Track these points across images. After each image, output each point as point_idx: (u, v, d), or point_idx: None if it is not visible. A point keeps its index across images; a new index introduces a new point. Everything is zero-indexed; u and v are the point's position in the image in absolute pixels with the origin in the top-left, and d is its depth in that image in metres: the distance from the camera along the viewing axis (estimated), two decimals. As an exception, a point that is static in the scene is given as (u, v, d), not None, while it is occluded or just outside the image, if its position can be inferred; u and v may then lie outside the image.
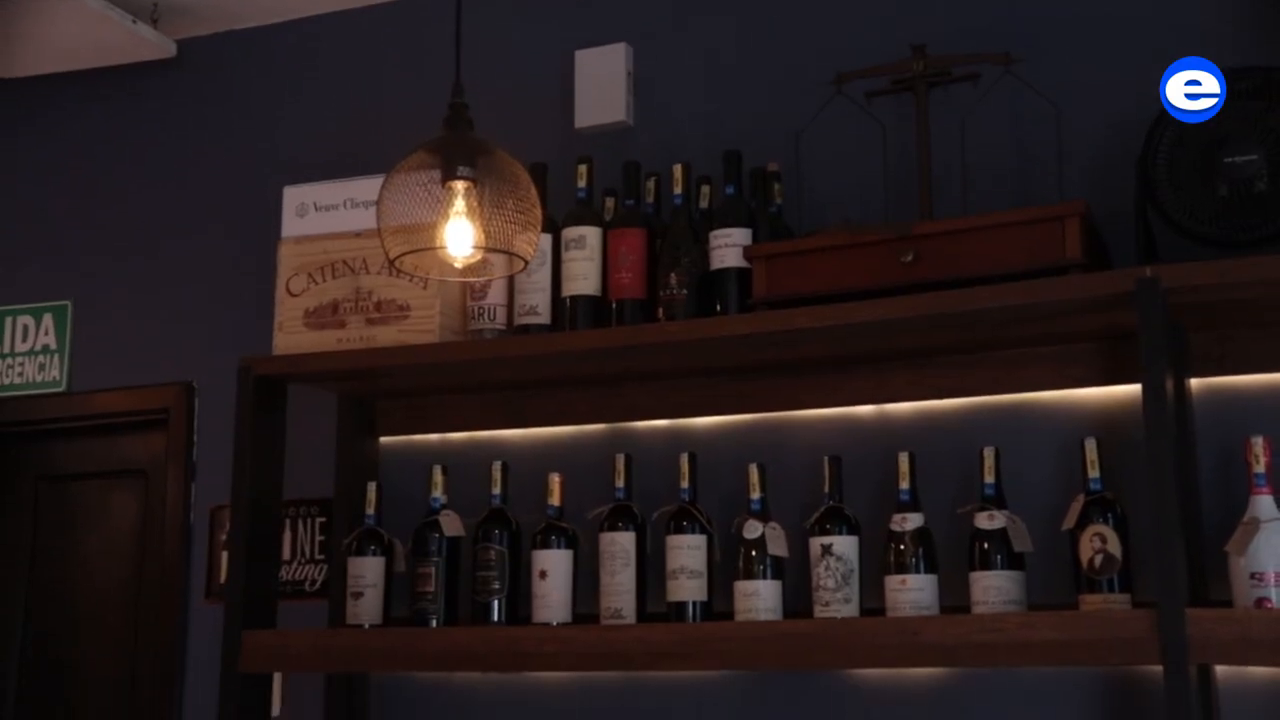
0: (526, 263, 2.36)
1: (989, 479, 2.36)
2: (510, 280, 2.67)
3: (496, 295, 2.70)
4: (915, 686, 2.48)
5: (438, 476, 2.75)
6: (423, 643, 2.60)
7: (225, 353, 2.94)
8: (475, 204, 2.25)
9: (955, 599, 2.35)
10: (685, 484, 2.54)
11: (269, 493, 2.76)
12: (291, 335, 2.77)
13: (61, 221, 3.51)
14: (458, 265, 2.32)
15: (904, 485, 2.39)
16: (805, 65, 2.71)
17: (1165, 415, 2.09)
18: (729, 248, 2.52)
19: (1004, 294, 2.22)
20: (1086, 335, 2.39)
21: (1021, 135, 2.56)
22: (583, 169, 2.72)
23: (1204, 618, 2.03)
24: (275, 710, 2.82)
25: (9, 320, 3.48)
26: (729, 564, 2.49)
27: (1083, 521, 2.27)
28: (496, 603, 2.62)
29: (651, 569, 2.56)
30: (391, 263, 2.33)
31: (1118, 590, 2.23)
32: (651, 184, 2.70)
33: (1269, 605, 2.06)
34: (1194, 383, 2.34)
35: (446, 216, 2.25)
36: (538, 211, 2.31)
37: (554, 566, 2.57)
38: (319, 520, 3.04)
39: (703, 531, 2.51)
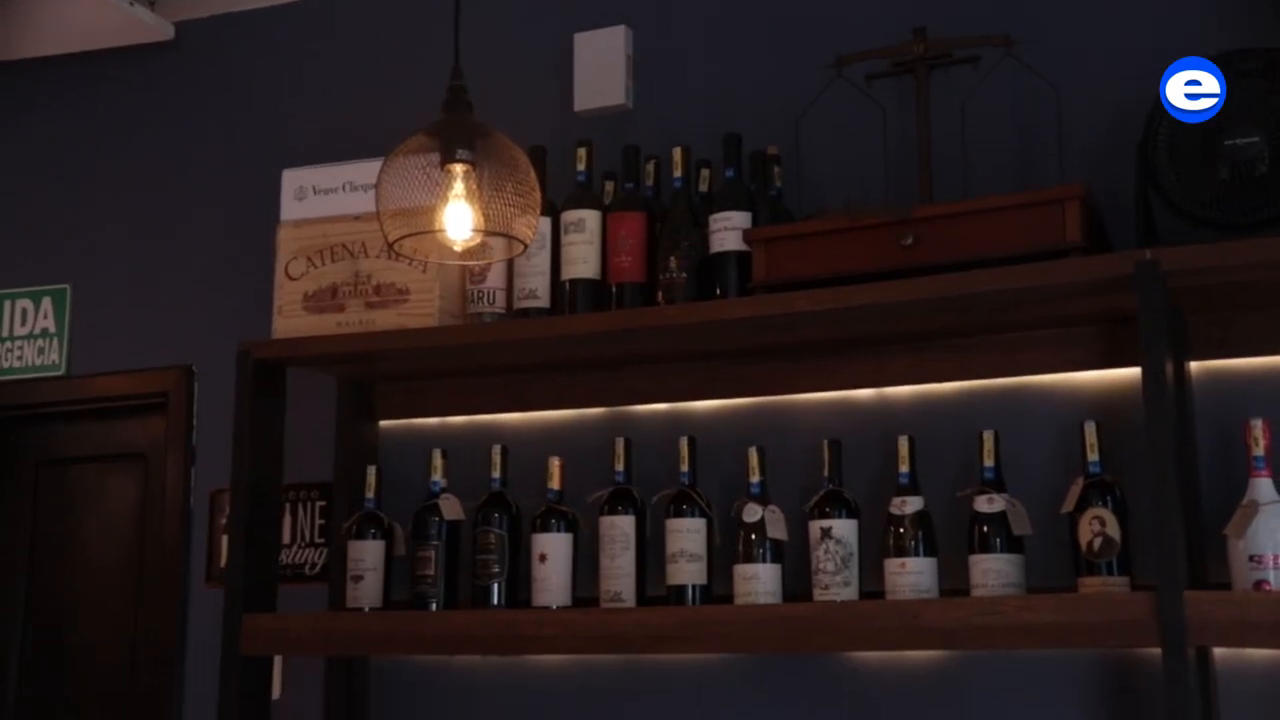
0: (526, 246, 2.36)
1: (988, 462, 2.36)
2: (509, 264, 2.67)
3: (496, 279, 2.70)
4: (914, 669, 2.49)
5: (437, 460, 2.75)
6: (423, 626, 2.60)
7: (224, 336, 2.94)
8: (474, 187, 2.25)
9: (954, 582, 2.35)
10: (685, 467, 2.54)
11: (269, 477, 2.76)
12: (290, 319, 2.76)
13: (60, 205, 3.50)
14: (457, 248, 2.32)
15: (903, 468, 2.40)
16: (805, 48, 2.71)
17: (1165, 398, 2.09)
18: (728, 231, 2.52)
19: (1004, 277, 2.21)
20: (1086, 318, 2.39)
21: (1022, 118, 2.55)
22: (582, 152, 2.71)
23: (1203, 600, 2.04)
24: (276, 693, 2.83)
25: (8, 304, 3.48)
26: (728, 547, 2.49)
27: (1082, 504, 2.27)
28: (496, 586, 2.63)
29: (651, 552, 2.57)
30: (390, 246, 2.33)
31: (1117, 573, 2.24)
32: (651, 167, 2.70)
33: (1268, 588, 2.06)
34: (1193, 365, 2.34)
35: (445, 200, 2.24)
36: (537, 195, 2.30)
37: (554, 550, 2.57)
38: (319, 504, 3.05)
39: (702, 515, 2.51)
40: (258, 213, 3.03)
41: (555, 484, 2.63)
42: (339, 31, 3.29)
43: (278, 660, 2.87)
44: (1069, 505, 2.29)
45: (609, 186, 2.72)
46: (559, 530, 2.59)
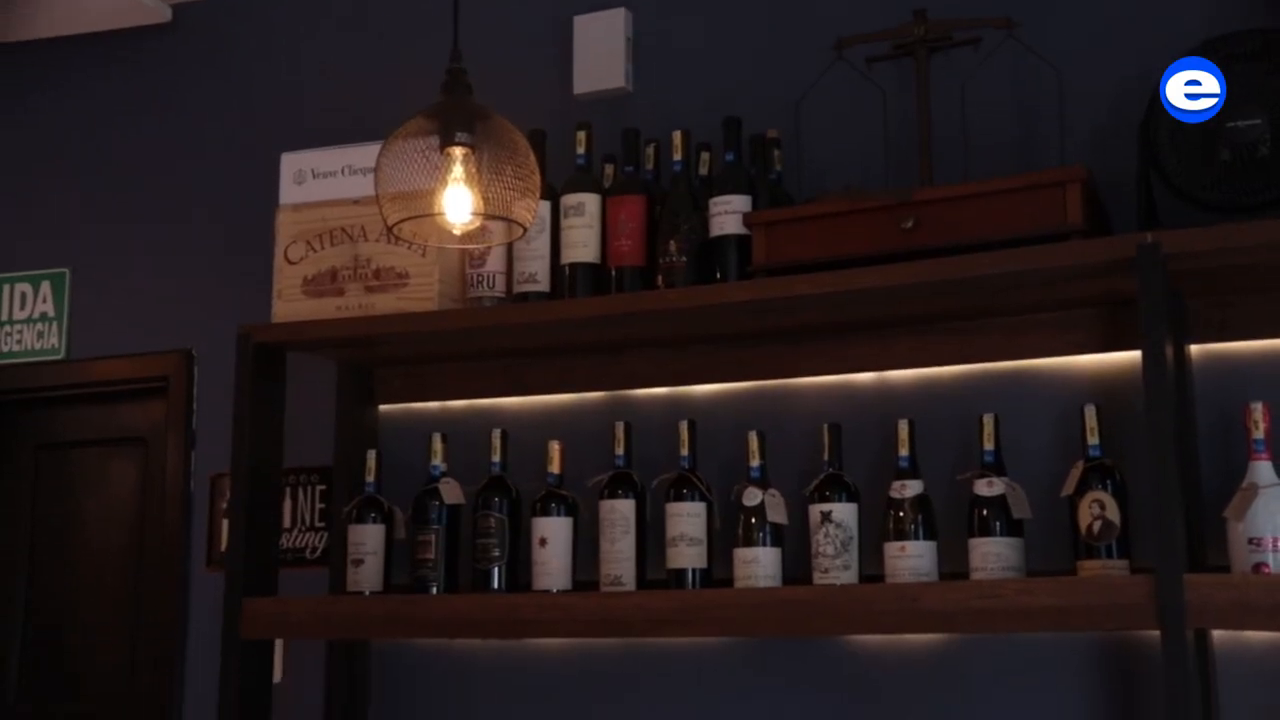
0: (525, 229, 2.35)
1: (988, 446, 2.36)
2: (509, 248, 2.67)
3: (495, 263, 2.69)
4: (914, 652, 2.49)
5: (437, 444, 2.75)
6: (423, 610, 2.61)
7: (224, 320, 2.93)
8: (474, 170, 2.24)
9: (954, 566, 2.36)
10: (685, 451, 2.54)
11: (269, 461, 2.76)
12: (290, 303, 2.76)
13: (59, 188, 3.49)
14: (456, 232, 2.31)
15: (903, 452, 2.40)
16: (805, 30, 2.70)
17: (1165, 382, 2.09)
18: (729, 215, 2.51)
19: (1004, 260, 2.21)
20: (1087, 301, 2.39)
21: (1023, 100, 2.54)
22: (582, 135, 2.70)
23: (1202, 583, 2.04)
24: (277, 677, 2.83)
25: (7, 288, 3.48)
26: (728, 531, 2.49)
27: (1082, 488, 2.27)
28: (496, 570, 2.63)
29: (651, 536, 2.57)
30: (390, 229, 2.32)
31: (1116, 556, 2.24)
32: (651, 151, 2.69)
33: (1266, 570, 2.06)
34: (1194, 349, 2.34)
35: (445, 183, 2.24)
36: (536, 178, 2.30)
37: (554, 534, 2.58)
38: (319, 488, 3.05)
39: (702, 499, 2.51)
40: (257, 196, 3.03)
41: (555, 468, 2.63)
42: (337, 13, 3.28)
43: (278, 644, 2.88)
44: (1069, 489, 2.29)
45: (609, 170, 2.71)
46: (559, 514, 2.59)
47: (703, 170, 2.62)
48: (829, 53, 2.53)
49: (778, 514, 2.44)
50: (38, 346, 3.43)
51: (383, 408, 2.98)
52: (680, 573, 2.49)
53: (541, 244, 2.65)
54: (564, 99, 2.93)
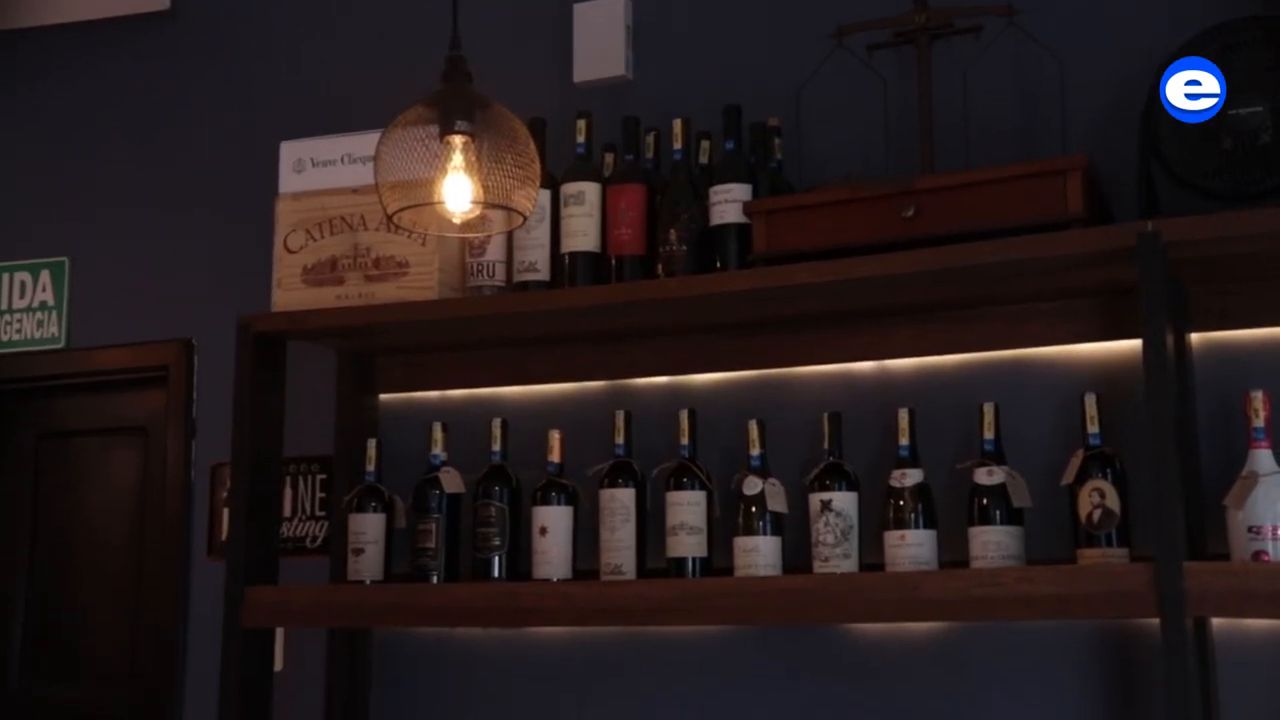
0: (525, 218, 2.35)
1: (988, 434, 2.36)
2: (509, 237, 2.66)
3: (495, 252, 2.69)
4: (914, 641, 2.50)
5: (438, 433, 2.75)
6: (424, 598, 2.61)
7: (224, 309, 2.93)
8: (474, 159, 2.24)
9: (954, 554, 2.36)
10: (685, 440, 2.54)
11: (269, 450, 2.76)
12: (290, 292, 2.76)
13: (58, 177, 3.49)
14: (456, 221, 2.31)
15: (904, 441, 2.40)
16: (806, 18, 2.69)
17: (1165, 370, 2.09)
18: (729, 203, 2.51)
19: (1005, 249, 2.21)
20: (1087, 290, 2.39)
21: (1024, 88, 2.54)
22: (581, 124, 2.70)
23: (1201, 571, 2.04)
24: (278, 666, 2.83)
25: (6, 276, 3.47)
26: (729, 520, 2.49)
27: (1082, 476, 2.27)
28: (497, 559, 2.63)
29: (651, 525, 2.57)
30: (389, 218, 2.32)
31: (1116, 544, 2.24)
32: (651, 139, 2.68)
33: (1266, 558, 2.07)
34: (1194, 337, 2.34)
35: (445, 171, 2.24)
36: (536, 166, 2.29)
37: (554, 523, 2.58)
38: (319, 477, 3.05)
39: (702, 488, 2.51)
40: (256, 185, 3.02)
41: (555, 457, 2.63)
42: (336, 1, 3.27)
43: (279, 632, 2.88)
44: (1069, 477, 2.29)
45: (609, 159, 2.71)
46: (559, 503, 2.59)
47: (703, 159, 2.62)
48: (830, 40, 2.52)
49: (778, 503, 2.44)
50: (37, 335, 3.43)
51: (383, 397, 2.98)
52: (680, 561, 2.49)
53: (541, 233, 2.64)
54: (564, 87, 2.92)
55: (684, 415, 2.56)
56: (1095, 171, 2.28)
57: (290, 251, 2.77)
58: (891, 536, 2.35)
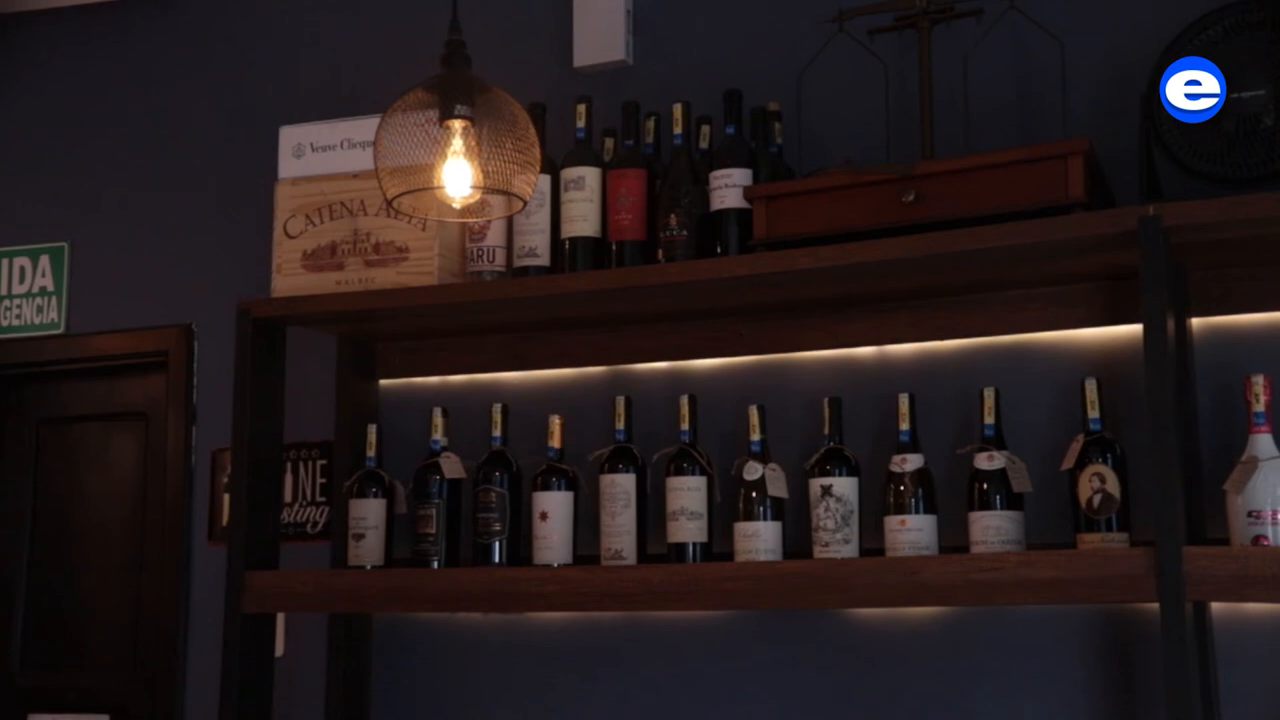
0: (525, 203, 2.35)
1: (989, 420, 2.36)
2: (509, 222, 2.66)
3: (495, 237, 2.69)
4: (915, 626, 2.50)
5: (438, 419, 2.75)
6: (424, 583, 2.61)
7: (224, 295, 2.93)
8: (473, 143, 2.23)
9: (954, 539, 2.36)
10: (685, 426, 2.54)
11: (269, 435, 2.76)
12: (290, 278, 2.76)
13: (58, 162, 3.48)
14: (456, 206, 2.31)
15: (904, 426, 2.40)
16: (806, 2, 2.68)
17: (1165, 355, 2.08)
18: (729, 188, 2.50)
19: (1006, 234, 2.20)
20: (1088, 275, 2.38)
21: (1025, 72, 2.53)
22: (581, 109, 2.69)
23: (1200, 555, 2.04)
24: (279, 651, 2.84)
25: (6, 262, 3.47)
26: (729, 505, 2.49)
27: (1082, 461, 2.27)
28: (497, 544, 2.64)
29: (652, 510, 2.57)
30: (389, 203, 2.32)
31: (1116, 529, 2.24)
32: (651, 124, 2.68)
33: (1266, 543, 2.07)
34: (1195, 322, 2.33)
35: (444, 156, 2.23)
36: (536, 151, 2.29)
37: (555, 508, 2.58)
38: (320, 463, 3.05)
39: (703, 473, 2.51)
40: (255, 170, 3.02)
41: (556, 442, 2.63)
42: (336, -14, 3.26)
43: (280, 618, 2.88)
44: (1069, 462, 2.29)
45: (609, 143, 2.70)
46: (560, 488, 2.59)
47: (703, 143, 2.61)
48: (831, 25, 2.51)
49: (778, 488, 2.44)
50: (37, 321, 3.43)
51: (383, 382, 2.98)
52: (680, 547, 2.49)
53: (541, 218, 2.64)
54: (564, 72, 2.92)
55: (684, 401, 2.56)
56: (1096, 155, 2.28)
57: (290, 237, 2.77)
58: (892, 521, 2.35)
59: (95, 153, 3.43)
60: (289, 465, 3.03)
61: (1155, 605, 2.05)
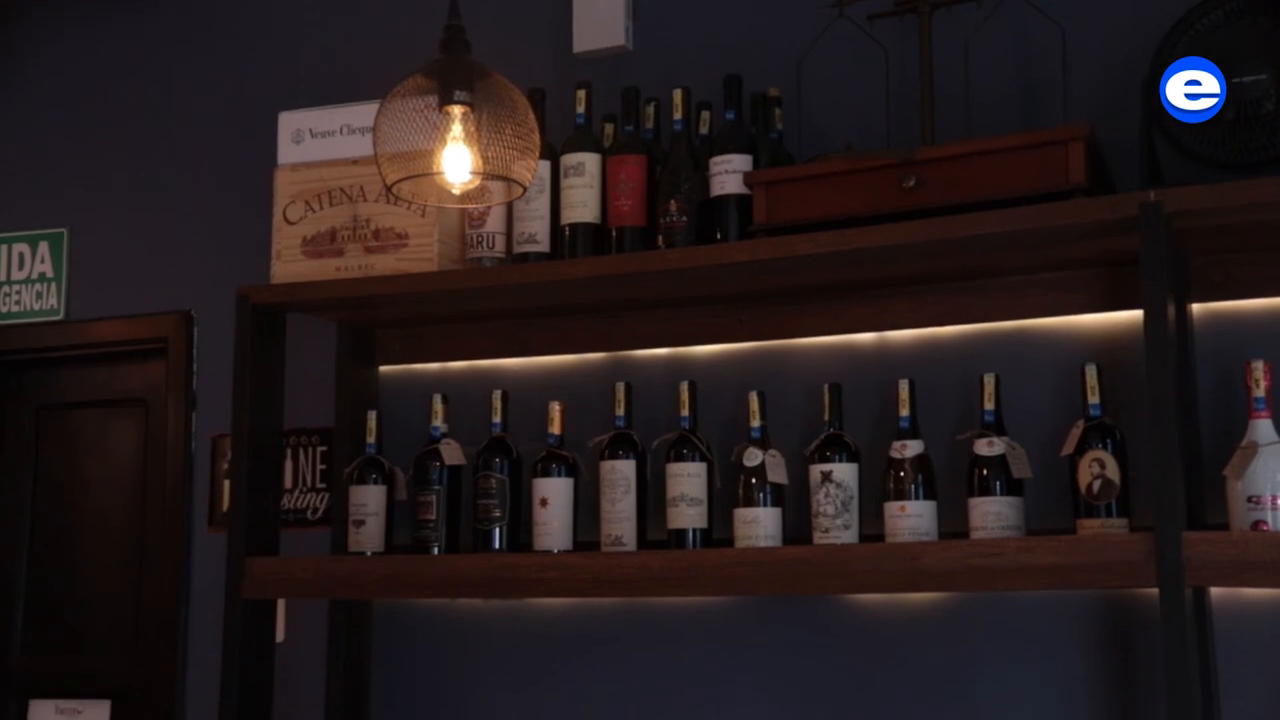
0: (525, 189, 2.34)
1: (989, 406, 2.36)
2: (509, 208, 2.65)
3: (495, 223, 2.68)
4: (914, 611, 2.50)
5: (438, 405, 2.75)
6: (425, 570, 2.62)
7: (223, 281, 2.93)
8: (473, 129, 2.23)
9: (954, 525, 2.36)
10: (685, 412, 2.54)
11: (269, 422, 2.77)
12: (289, 264, 2.75)
13: (57, 147, 3.48)
14: (455, 191, 2.30)
15: (904, 412, 2.40)
16: (807, -13, 2.67)
17: (1166, 341, 2.08)
18: (729, 174, 2.50)
19: (1006, 219, 2.20)
20: (1088, 261, 2.38)
21: (1026, 57, 2.52)
22: (581, 94, 2.68)
23: (1200, 540, 2.04)
24: (279, 636, 2.84)
25: (4, 248, 3.47)
26: (729, 491, 2.50)
27: (1082, 447, 2.27)
28: (498, 530, 2.64)
29: (652, 497, 2.57)
30: (389, 189, 2.31)
31: (1115, 515, 2.24)
32: (651, 110, 2.67)
33: (1265, 528, 2.07)
34: (1195, 308, 2.33)
35: (444, 142, 2.23)
36: (536, 137, 2.29)
37: (555, 494, 2.58)
38: (320, 449, 3.05)
39: (703, 459, 2.51)
40: (255, 156, 3.01)
41: (556, 429, 2.63)
42: (335, -28, 3.25)
43: (281, 604, 2.89)
44: (1069, 448, 2.29)
45: (608, 129, 2.70)
46: (560, 475, 2.59)
47: (703, 129, 2.61)
48: (831, 10, 2.51)
49: (778, 474, 2.44)
50: (36, 307, 3.42)
51: (383, 369, 2.98)
52: (681, 533, 2.49)
53: (541, 204, 2.63)
54: (563, 57, 2.91)
55: (684, 387, 2.56)
56: (1097, 141, 2.27)
57: (289, 223, 2.76)
58: (892, 507, 2.35)
59: (95, 138, 3.43)
60: (289, 452, 3.03)
61: (1155, 590, 2.06)
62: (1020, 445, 2.33)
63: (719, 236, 2.50)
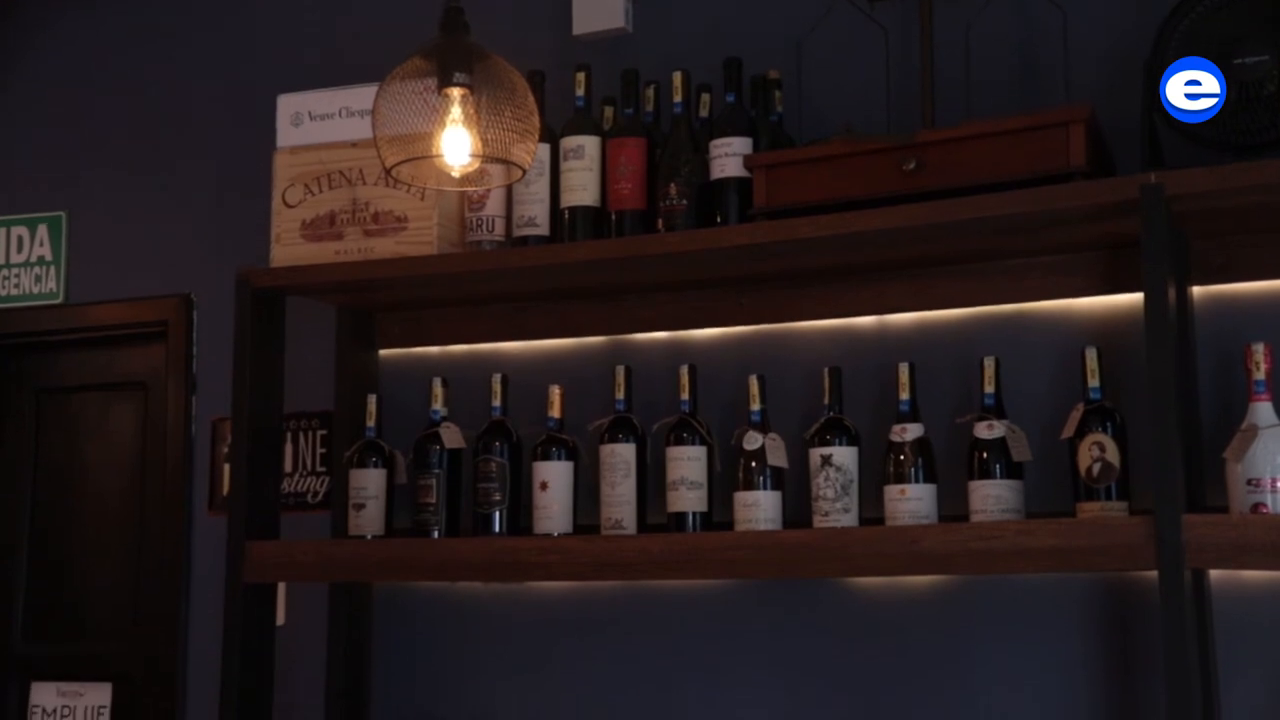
0: (524, 172, 2.34)
1: (989, 389, 2.36)
2: (508, 191, 2.65)
3: (494, 206, 2.68)
4: (914, 594, 2.51)
5: (438, 389, 2.75)
6: (425, 553, 2.62)
7: (223, 264, 2.93)
8: (472, 111, 2.22)
9: (954, 508, 2.36)
10: (685, 396, 2.54)
11: (269, 405, 2.76)
12: (289, 247, 2.75)
13: (55, 130, 3.47)
14: (455, 174, 2.30)
15: (904, 395, 2.40)
16: (807, -31, 2.66)
17: (1166, 324, 2.08)
18: (729, 157, 2.49)
19: (1006, 202, 2.19)
20: (1089, 244, 2.38)
21: (1027, 39, 2.51)
22: (581, 77, 2.68)
23: (1200, 523, 2.05)
24: (280, 620, 2.85)
25: (3, 231, 3.46)
26: (729, 475, 2.50)
27: (1082, 430, 2.27)
28: (497, 514, 2.64)
29: (652, 480, 2.58)
30: (388, 171, 2.31)
31: (1115, 498, 2.24)
32: (651, 92, 2.66)
33: (1265, 511, 2.07)
34: (1196, 290, 2.33)
35: (443, 124, 2.22)
36: (535, 120, 2.28)
37: (555, 478, 2.58)
38: (320, 433, 3.05)
39: (702, 443, 2.51)
40: (254, 139, 3.00)
41: (556, 412, 2.63)
42: (333, -46, 3.24)
43: (281, 587, 2.89)
44: (1068, 431, 2.29)
45: (608, 112, 2.69)
46: (560, 458, 2.59)
47: (703, 112, 2.60)
48: (831, -8, 2.50)
49: (778, 458, 2.44)
50: (35, 291, 3.42)
51: (383, 352, 2.98)
52: (680, 516, 2.50)
53: (541, 187, 2.63)
54: (563, 40, 2.90)
55: (684, 370, 2.56)
56: (1098, 123, 2.26)
57: (289, 206, 2.76)
58: (891, 491, 2.36)
59: (94, 121, 3.42)
60: (289, 435, 3.03)
61: (1154, 573, 2.06)
62: (1020, 428, 2.33)
63: (719, 220, 2.49)
